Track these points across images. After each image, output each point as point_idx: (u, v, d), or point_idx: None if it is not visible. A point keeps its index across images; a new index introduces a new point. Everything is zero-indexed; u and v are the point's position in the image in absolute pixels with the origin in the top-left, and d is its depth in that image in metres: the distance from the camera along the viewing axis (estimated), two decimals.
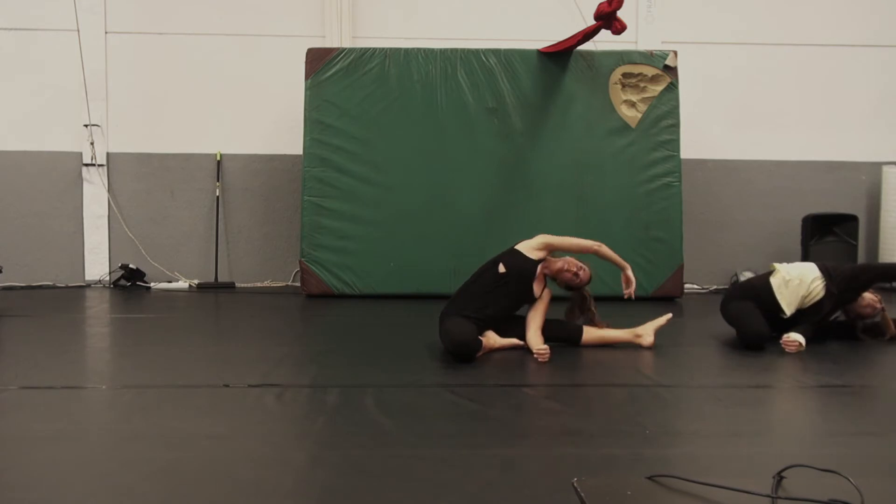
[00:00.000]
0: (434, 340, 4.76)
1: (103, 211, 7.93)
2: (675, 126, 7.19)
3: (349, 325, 5.83)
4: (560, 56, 7.14)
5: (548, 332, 4.75)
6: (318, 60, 7.12)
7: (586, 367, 4.45)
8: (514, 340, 4.77)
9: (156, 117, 7.95)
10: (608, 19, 5.67)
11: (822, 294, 4.93)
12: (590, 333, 4.87)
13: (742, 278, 7.92)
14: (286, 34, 7.90)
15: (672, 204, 7.14)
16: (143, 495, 2.50)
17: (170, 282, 7.84)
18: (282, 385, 3.85)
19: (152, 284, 7.77)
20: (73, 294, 7.36)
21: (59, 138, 7.87)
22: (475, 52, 7.17)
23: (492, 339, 4.71)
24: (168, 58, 7.92)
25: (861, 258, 8.03)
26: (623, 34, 5.89)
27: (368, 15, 7.97)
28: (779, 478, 2.34)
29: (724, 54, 8.15)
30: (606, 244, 4.82)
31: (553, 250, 4.88)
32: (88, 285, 7.84)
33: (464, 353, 4.42)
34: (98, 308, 6.59)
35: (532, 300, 4.82)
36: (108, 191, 7.92)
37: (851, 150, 8.25)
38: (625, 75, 7.18)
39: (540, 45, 7.17)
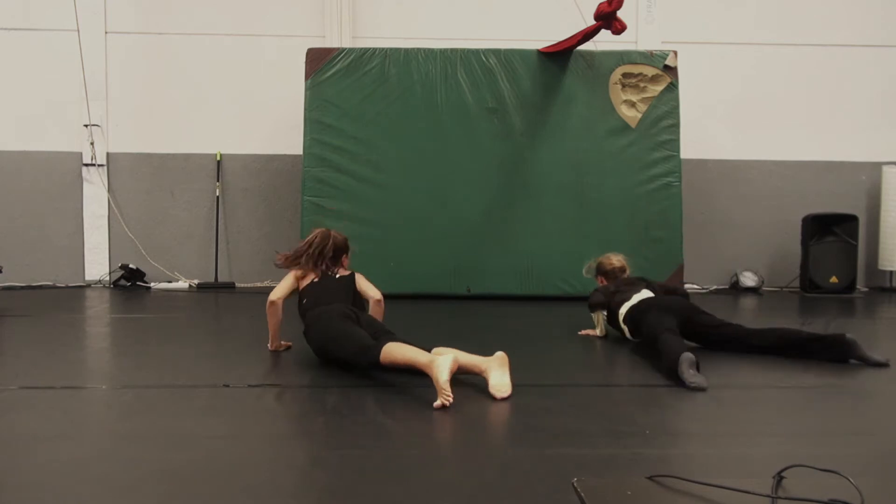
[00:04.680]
0: (433, 340, 4.74)
1: (103, 211, 7.93)
2: (675, 126, 7.19)
3: None
4: (560, 56, 7.14)
5: None
6: (318, 60, 7.12)
7: (586, 367, 4.45)
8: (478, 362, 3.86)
9: (156, 117, 7.95)
10: (608, 19, 5.67)
11: None
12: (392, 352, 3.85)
13: (742, 278, 7.94)
14: (286, 34, 7.90)
15: (672, 204, 7.14)
16: (143, 495, 2.50)
17: (170, 282, 7.84)
18: (282, 385, 3.85)
19: (152, 284, 7.78)
20: (73, 294, 7.36)
21: (59, 138, 7.88)
22: (475, 52, 7.17)
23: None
24: (168, 58, 7.92)
25: (861, 258, 8.04)
26: (623, 34, 5.90)
27: (368, 15, 7.97)
28: (779, 478, 2.34)
29: (725, 54, 8.15)
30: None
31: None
32: (88, 285, 7.85)
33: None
34: (98, 308, 6.58)
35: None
36: (108, 191, 7.92)
37: (851, 150, 8.26)
38: (625, 75, 7.19)
39: (540, 45, 7.17)
